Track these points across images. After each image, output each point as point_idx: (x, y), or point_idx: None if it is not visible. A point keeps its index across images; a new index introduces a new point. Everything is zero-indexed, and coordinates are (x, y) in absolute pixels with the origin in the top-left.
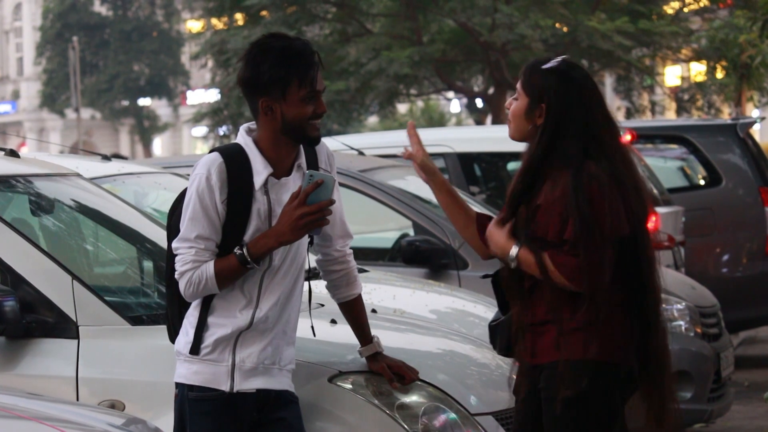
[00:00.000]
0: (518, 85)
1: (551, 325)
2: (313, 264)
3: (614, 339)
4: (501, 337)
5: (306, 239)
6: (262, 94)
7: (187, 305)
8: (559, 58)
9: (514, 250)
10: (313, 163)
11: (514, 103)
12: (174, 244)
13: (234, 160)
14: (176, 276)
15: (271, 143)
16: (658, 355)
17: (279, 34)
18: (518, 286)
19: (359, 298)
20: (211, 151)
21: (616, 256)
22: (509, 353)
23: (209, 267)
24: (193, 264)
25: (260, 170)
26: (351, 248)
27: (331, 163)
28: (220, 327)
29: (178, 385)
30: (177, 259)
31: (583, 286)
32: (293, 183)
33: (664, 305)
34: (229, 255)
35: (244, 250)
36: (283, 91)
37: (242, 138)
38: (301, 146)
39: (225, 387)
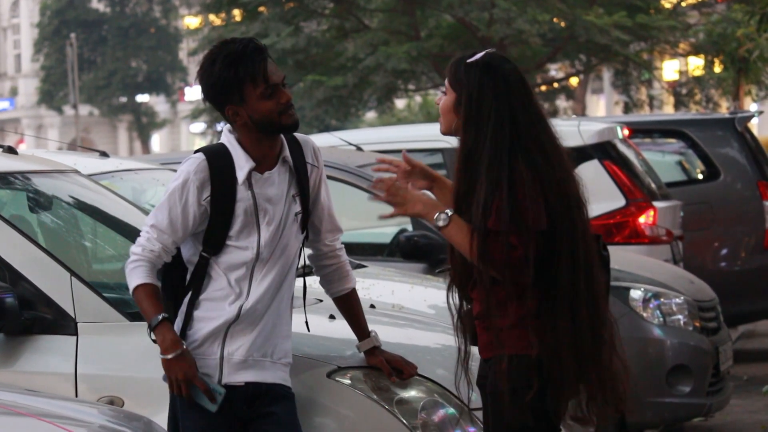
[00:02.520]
0: (446, 81)
1: (491, 320)
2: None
3: (546, 334)
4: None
5: (299, 233)
6: (225, 103)
7: (180, 301)
8: (483, 52)
9: (448, 211)
10: (298, 157)
11: (443, 98)
12: (143, 225)
13: (217, 158)
14: (130, 251)
15: (251, 141)
16: (587, 351)
17: (226, 40)
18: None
19: (353, 292)
20: (195, 152)
21: (538, 251)
22: (474, 342)
23: (134, 281)
24: (142, 248)
25: (242, 165)
26: (350, 243)
27: (317, 157)
28: (208, 321)
29: None
30: (138, 238)
31: (508, 278)
32: (278, 176)
33: (662, 299)
34: (154, 307)
35: (150, 332)
36: (241, 95)
37: (225, 137)
38: (284, 139)
39: (214, 380)
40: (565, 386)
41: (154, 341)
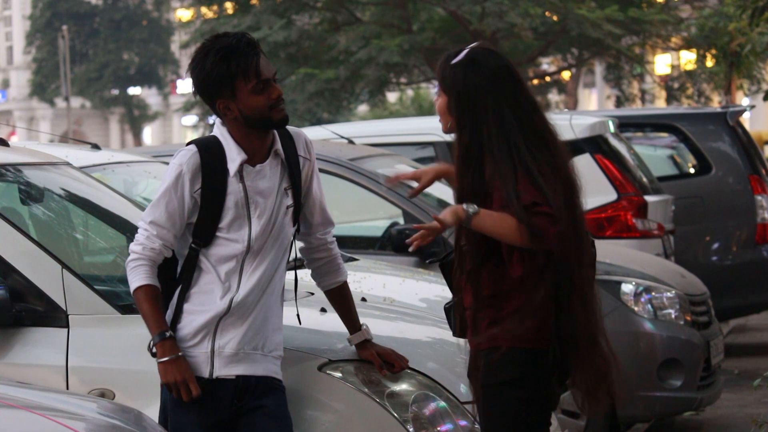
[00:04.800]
0: (437, 82)
1: (484, 311)
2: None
3: (541, 325)
4: (455, 319)
5: (290, 226)
6: (216, 97)
7: (171, 293)
8: (468, 48)
9: (472, 206)
10: (290, 150)
11: (438, 99)
12: (139, 222)
13: (209, 150)
14: (129, 249)
15: (242, 135)
16: (582, 339)
17: (218, 34)
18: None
19: (345, 285)
20: (188, 144)
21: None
22: (463, 334)
23: (135, 282)
24: (142, 247)
25: (234, 157)
26: (342, 236)
27: (309, 150)
28: (198, 314)
29: None
30: (136, 235)
31: (555, 249)
32: (270, 169)
33: (653, 293)
34: (158, 319)
35: (152, 345)
36: (232, 90)
37: (218, 129)
38: (276, 132)
39: (204, 373)
40: (583, 368)
41: (154, 355)
